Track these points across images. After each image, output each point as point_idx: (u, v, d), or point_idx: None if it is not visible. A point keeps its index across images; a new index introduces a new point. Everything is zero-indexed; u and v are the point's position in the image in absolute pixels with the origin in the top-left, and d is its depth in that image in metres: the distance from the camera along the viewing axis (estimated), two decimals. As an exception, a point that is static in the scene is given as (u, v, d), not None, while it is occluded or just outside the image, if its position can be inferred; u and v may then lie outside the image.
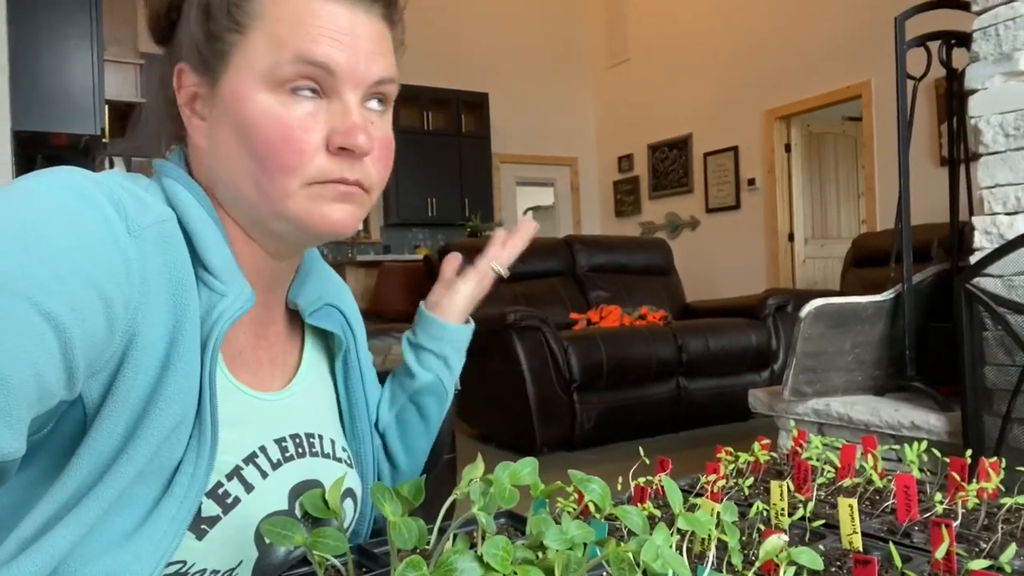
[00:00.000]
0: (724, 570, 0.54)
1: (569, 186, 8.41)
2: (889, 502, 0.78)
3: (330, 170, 0.58)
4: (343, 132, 0.57)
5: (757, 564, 0.47)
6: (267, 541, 0.54)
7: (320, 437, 0.68)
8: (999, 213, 1.79)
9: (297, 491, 0.62)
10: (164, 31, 0.63)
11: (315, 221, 0.59)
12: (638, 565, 0.44)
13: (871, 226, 5.53)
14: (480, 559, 0.40)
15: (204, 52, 0.58)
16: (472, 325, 0.88)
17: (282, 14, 0.57)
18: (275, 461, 0.62)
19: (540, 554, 0.49)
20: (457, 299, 0.85)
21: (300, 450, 0.65)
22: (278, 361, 0.68)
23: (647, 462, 0.83)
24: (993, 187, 1.81)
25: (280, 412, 0.65)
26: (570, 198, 8.41)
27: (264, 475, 0.60)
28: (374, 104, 0.62)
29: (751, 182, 6.69)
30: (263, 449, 0.61)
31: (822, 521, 0.70)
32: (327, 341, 0.75)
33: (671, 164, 7.47)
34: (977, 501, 0.74)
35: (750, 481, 0.83)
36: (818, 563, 0.48)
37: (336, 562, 0.57)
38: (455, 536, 0.51)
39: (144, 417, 0.50)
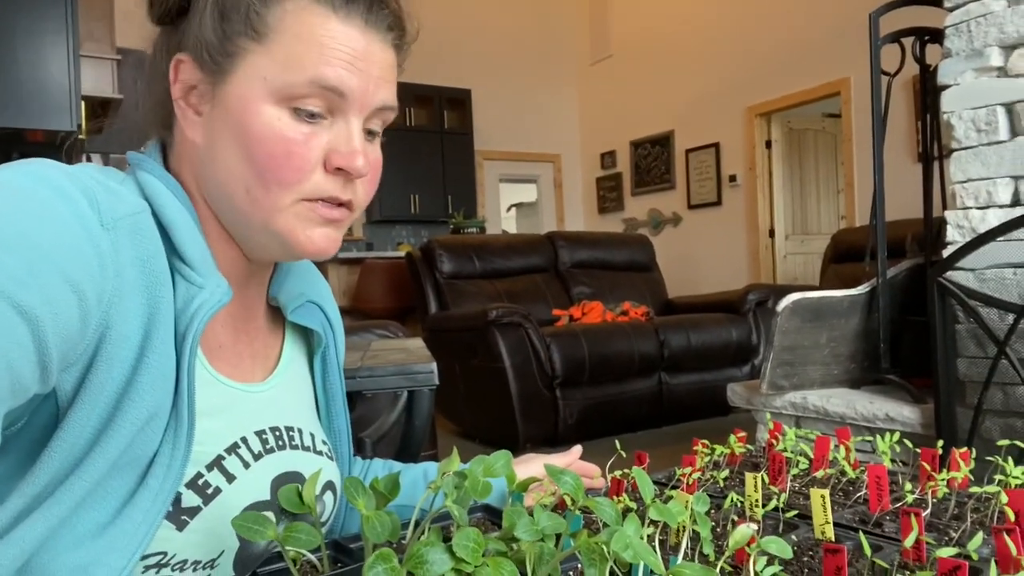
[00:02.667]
0: (696, 561, 0.55)
1: (552, 183, 8.42)
2: (861, 492, 0.79)
3: (325, 188, 0.59)
4: (344, 155, 0.59)
5: (727, 553, 0.47)
6: (240, 534, 0.54)
7: (300, 431, 0.68)
8: (971, 207, 1.82)
9: (279, 483, 0.62)
10: (170, 13, 0.62)
11: (299, 242, 0.60)
12: (609, 556, 0.44)
13: (850, 222, 5.59)
14: (451, 551, 0.40)
15: (213, 51, 0.58)
16: None
17: (301, 31, 0.57)
18: (256, 452, 0.62)
19: (514, 546, 0.49)
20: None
21: (280, 443, 0.65)
22: (259, 355, 0.69)
23: (624, 455, 0.83)
24: (965, 182, 1.84)
25: (261, 404, 0.65)
26: (553, 195, 8.42)
27: (246, 465, 0.60)
28: (373, 126, 0.63)
29: (732, 178, 6.73)
30: (244, 440, 0.61)
31: (795, 512, 0.71)
32: (307, 337, 0.75)
33: (653, 161, 7.50)
34: (947, 491, 0.76)
35: (725, 473, 0.84)
36: (787, 552, 0.49)
37: (312, 557, 0.57)
38: (429, 530, 0.51)
39: (118, 409, 0.50)
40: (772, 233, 6.57)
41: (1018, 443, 0.82)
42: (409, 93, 7.13)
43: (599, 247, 4.97)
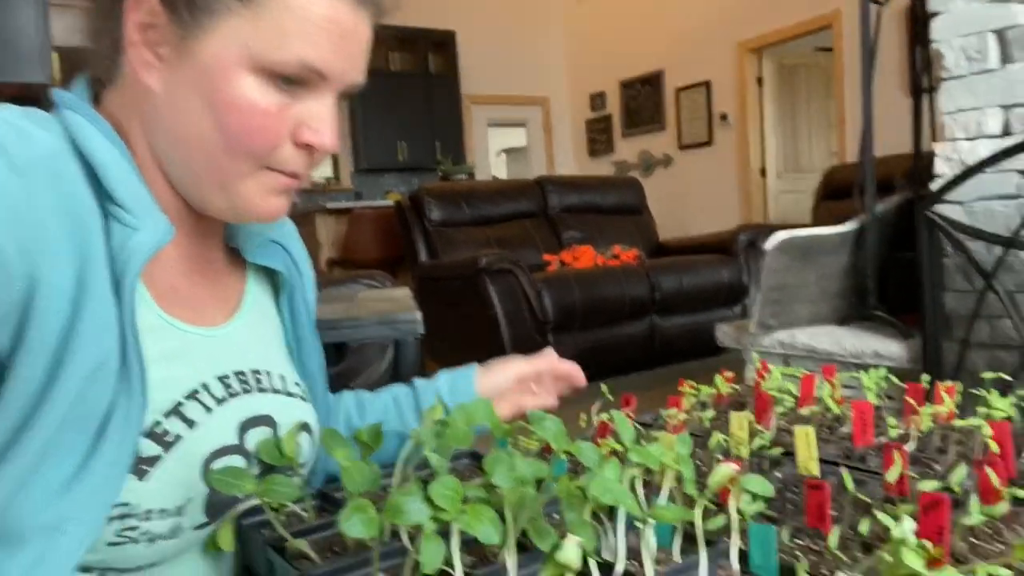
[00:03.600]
0: (680, 502, 0.55)
1: (541, 126, 8.29)
2: (846, 428, 0.79)
3: (291, 162, 0.59)
4: (316, 132, 0.58)
5: (708, 493, 0.47)
6: (217, 488, 0.53)
7: (268, 373, 0.66)
8: (960, 139, 1.79)
9: (247, 426, 0.61)
10: None
11: (255, 208, 0.60)
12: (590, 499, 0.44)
13: (842, 158, 5.55)
14: (429, 500, 0.40)
15: (191, 1, 0.54)
16: None
17: (292, 2, 0.54)
18: (219, 397, 0.60)
19: (497, 492, 0.49)
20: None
21: (246, 386, 0.63)
22: (220, 297, 0.67)
23: (611, 399, 0.83)
24: (955, 112, 1.81)
25: (223, 347, 0.63)
26: (543, 138, 8.30)
27: (208, 410, 0.59)
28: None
29: (724, 117, 6.64)
30: (205, 385, 0.60)
31: (781, 450, 0.72)
32: (272, 279, 0.74)
33: (644, 101, 7.38)
34: (932, 425, 0.76)
35: (711, 414, 0.84)
36: (768, 490, 0.49)
37: (296, 508, 0.57)
38: (411, 479, 0.51)
39: (61, 362, 0.49)
40: (764, 172, 6.52)
41: (1004, 375, 0.82)
42: (391, 36, 6.94)
43: (589, 191, 4.93)
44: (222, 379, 0.61)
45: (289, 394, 0.67)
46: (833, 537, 0.51)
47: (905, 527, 0.35)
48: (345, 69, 0.58)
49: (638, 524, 0.47)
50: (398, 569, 0.50)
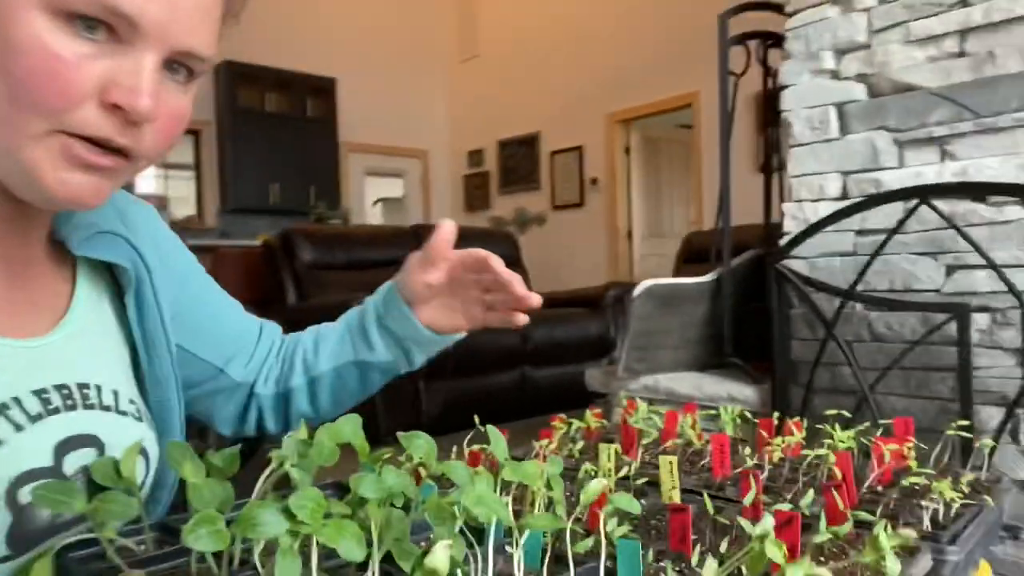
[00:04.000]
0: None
1: (420, 178, 8.34)
2: (706, 460, 0.83)
3: (95, 125, 0.48)
4: (125, 90, 0.48)
5: (580, 507, 0.47)
6: (39, 506, 0.47)
7: (99, 387, 0.59)
8: (806, 200, 1.98)
9: (67, 447, 0.54)
10: None
11: (48, 183, 0.49)
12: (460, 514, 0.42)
13: (699, 226, 5.95)
14: (288, 511, 0.37)
15: None
16: (457, 337, 0.86)
17: None
18: (34, 414, 0.53)
19: (360, 514, 0.46)
20: (425, 294, 0.81)
21: (69, 402, 0.56)
22: (43, 304, 0.59)
23: (482, 429, 0.82)
24: (801, 176, 1.99)
25: (42, 360, 0.56)
26: (420, 190, 8.34)
27: (18, 428, 0.52)
28: (177, 73, 0.53)
29: (594, 181, 6.97)
30: (17, 400, 0.52)
31: (646, 480, 0.73)
32: (112, 276, 0.65)
33: (520, 160, 7.62)
34: (782, 456, 0.81)
35: (580, 445, 0.85)
36: (636, 507, 0.49)
37: (129, 542, 0.51)
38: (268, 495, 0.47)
39: None
40: (630, 235, 6.87)
41: (844, 412, 0.89)
42: (268, 77, 6.81)
43: (464, 241, 4.91)
44: (39, 393, 0.54)
45: (121, 412, 0.60)
46: (695, 556, 0.52)
47: (766, 523, 0.36)
48: (166, 23, 0.49)
49: (508, 547, 0.46)
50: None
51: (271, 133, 6.76)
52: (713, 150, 5.78)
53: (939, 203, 1.67)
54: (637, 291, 2.03)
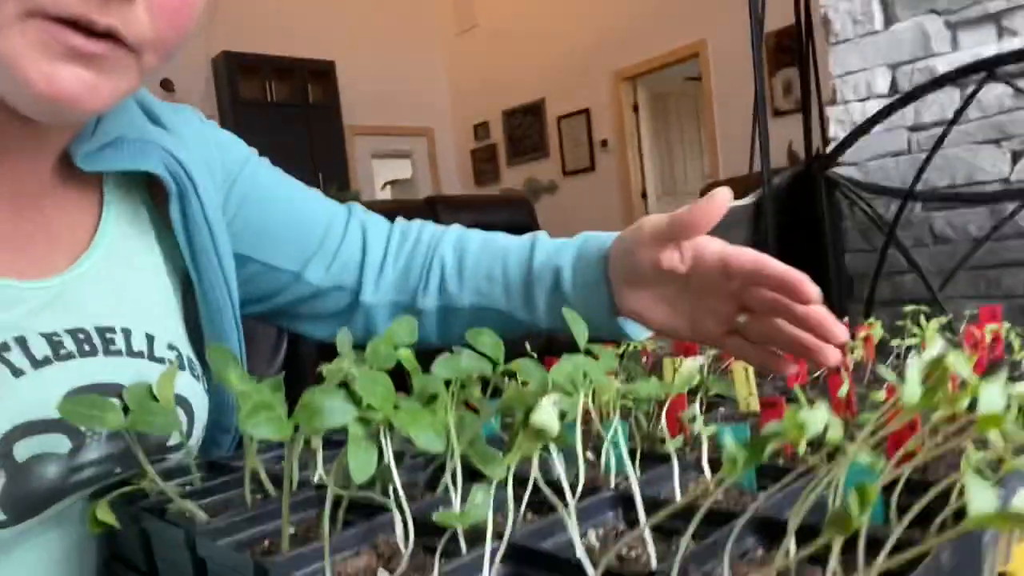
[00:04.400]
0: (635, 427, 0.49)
1: (427, 157, 8.27)
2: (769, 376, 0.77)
3: (67, 2, 0.40)
4: None
5: (675, 390, 0.41)
6: (75, 424, 0.41)
7: (127, 331, 0.51)
8: (852, 100, 1.87)
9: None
10: None
11: (32, 78, 0.41)
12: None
13: (715, 178, 5.84)
14: (354, 396, 0.32)
15: None
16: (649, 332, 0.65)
17: None
18: (40, 358, 0.46)
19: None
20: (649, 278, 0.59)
21: (86, 347, 0.49)
22: (62, 238, 0.52)
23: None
24: (844, 75, 1.88)
25: (54, 301, 0.49)
26: (429, 169, 8.27)
27: (17, 373, 0.45)
28: None
29: (604, 143, 6.86)
30: (21, 341, 0.46)
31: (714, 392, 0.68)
32: (152, 196, 0.57)
33: (527, 130, 7.52)
34: (862, 355, 0.76)
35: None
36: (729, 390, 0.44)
37: (169, 487, 0.46)
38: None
39: None
40: (644, 195, 6.77)
41: (924, 308, 0.82)
42: (268, 66, 6.74)
43: (478, 209, 4.91)
44: (49, 337, 0.47)
45: (156, 359, 0.52)
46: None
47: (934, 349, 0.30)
48: None
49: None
50: (310, 523, 0.41)
51: (276, 122, 6.70)
52: (725, 98, 5.65)
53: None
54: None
